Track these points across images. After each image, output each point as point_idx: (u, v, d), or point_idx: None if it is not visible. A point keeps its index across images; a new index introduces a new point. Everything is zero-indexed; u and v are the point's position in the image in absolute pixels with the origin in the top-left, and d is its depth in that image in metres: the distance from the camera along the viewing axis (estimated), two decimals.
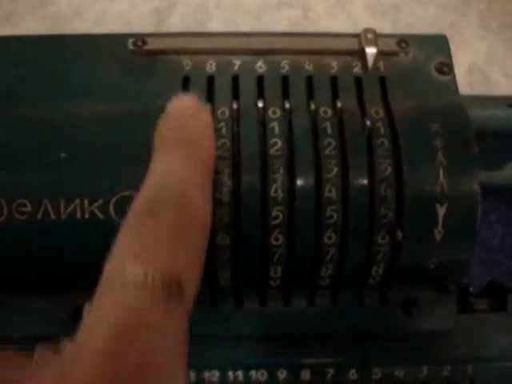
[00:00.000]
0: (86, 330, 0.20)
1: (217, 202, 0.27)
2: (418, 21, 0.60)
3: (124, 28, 0.56)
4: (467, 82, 0.57)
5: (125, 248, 0.21)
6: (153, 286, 0.20)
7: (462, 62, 0.58)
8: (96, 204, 0.27)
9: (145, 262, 0.20)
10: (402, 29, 0.60)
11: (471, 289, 0.32)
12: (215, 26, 0.57)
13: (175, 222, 0.21)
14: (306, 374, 0.31)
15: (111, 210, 0.27)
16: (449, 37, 0.60)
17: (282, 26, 0.58)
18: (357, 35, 0.30)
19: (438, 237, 0.27)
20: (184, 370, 0.20)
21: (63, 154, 0.27)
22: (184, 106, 0.25)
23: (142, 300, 0.20)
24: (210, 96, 0.29)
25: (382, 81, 0.29)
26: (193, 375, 0.31)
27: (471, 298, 0.33)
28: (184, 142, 0.24)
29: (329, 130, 0.28)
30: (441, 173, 0.27)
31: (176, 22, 0.56)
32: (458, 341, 0.32)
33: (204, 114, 0.25)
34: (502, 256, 0.49)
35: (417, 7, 0.61)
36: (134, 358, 0.19)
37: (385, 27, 0.59)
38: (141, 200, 0.22)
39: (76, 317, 0.30)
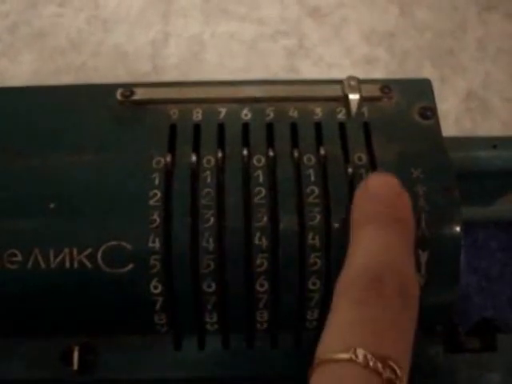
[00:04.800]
0: None
1: (202, 250, 0.27)
2: (414, 47, 0.60)
3: (120, 60, 0.56)
4: (465, 108, 0.58)
5: (347, 328, 0.23)
6: (365, 366, 0.21)
7: (459, 88, 0.58)
8: (85, 253, 0.27)
9: (364, 345, 0.22)
10: (398, 56, 0.60)
11: (461, 329, 0.32)
12: (210, 56, 0.58)
13: (395, 305, 0.23)
14: None
15: (99, 259, 0.27)
16: (446, 63, 0.60)
17: (278, 56, 0.59)
18: (340, 81, 0.30)
19: (422, 282, 0.28)
20: None
21: (52, 205, 0.28)
22: (387, 184, 0.26)
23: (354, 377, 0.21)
24: (196, 144, 0.29)
25: (366, 126, 0.30)
26: None
27: (461, 337, 0.33)
28: (397, 220, 0.26)
29: (312, 178, 0.28)
30: (422, 219, 0.27)
31: (172, 54, 0.57)
32: (447, 382, 0.32)
33: (405, 194, 0.26)
34: (503, 285, 0.49)
35: (412, 33, 0.61)
36: None
37: (380, 54, 0.60)
38: (362, 275, 0.23)
39: (65, 360, 0.30)
